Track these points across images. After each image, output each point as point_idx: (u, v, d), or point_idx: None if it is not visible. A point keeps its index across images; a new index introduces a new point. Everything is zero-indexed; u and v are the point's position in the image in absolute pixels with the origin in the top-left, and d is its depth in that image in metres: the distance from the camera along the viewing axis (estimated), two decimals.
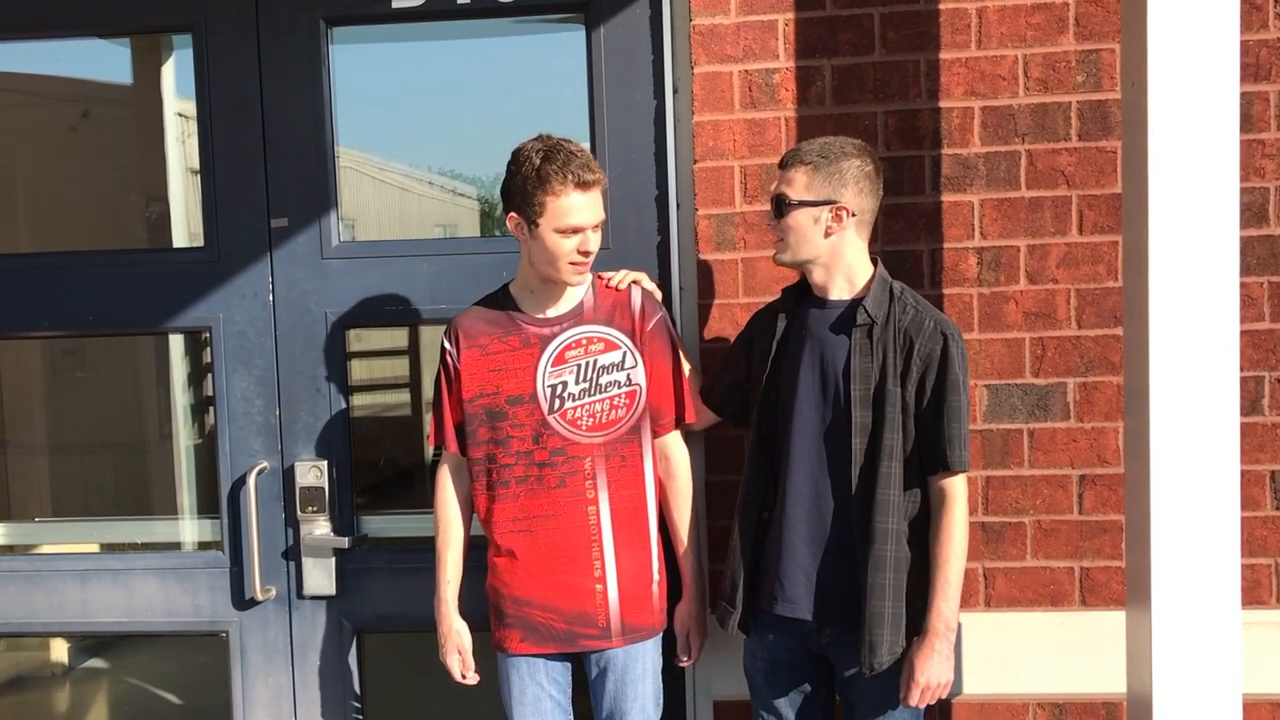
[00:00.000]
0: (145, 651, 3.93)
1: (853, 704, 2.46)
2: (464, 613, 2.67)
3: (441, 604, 2.65)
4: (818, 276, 2.46)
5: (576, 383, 2.54)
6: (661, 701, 2.65)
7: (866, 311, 2.38)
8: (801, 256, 2.43)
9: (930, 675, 2.33)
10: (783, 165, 2.46)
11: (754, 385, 2.54)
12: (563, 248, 2.45)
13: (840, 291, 2.45)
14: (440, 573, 2.66)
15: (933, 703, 2.37)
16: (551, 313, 2.57)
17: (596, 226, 2.48)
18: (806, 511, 2.42)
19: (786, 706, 2.51)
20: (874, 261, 2.47)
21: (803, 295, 2.52)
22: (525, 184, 2.43)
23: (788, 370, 2.47)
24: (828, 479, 2.40)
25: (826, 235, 2.40)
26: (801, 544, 2.42)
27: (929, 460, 2.37)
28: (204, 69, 3.03)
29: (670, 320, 2.67)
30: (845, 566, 2.38)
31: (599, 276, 2.62)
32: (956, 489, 2.36)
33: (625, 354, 2.57)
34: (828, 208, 2.38)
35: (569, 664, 2.64)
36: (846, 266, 2.43)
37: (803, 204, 2.39)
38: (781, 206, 2.42)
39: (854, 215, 2.39)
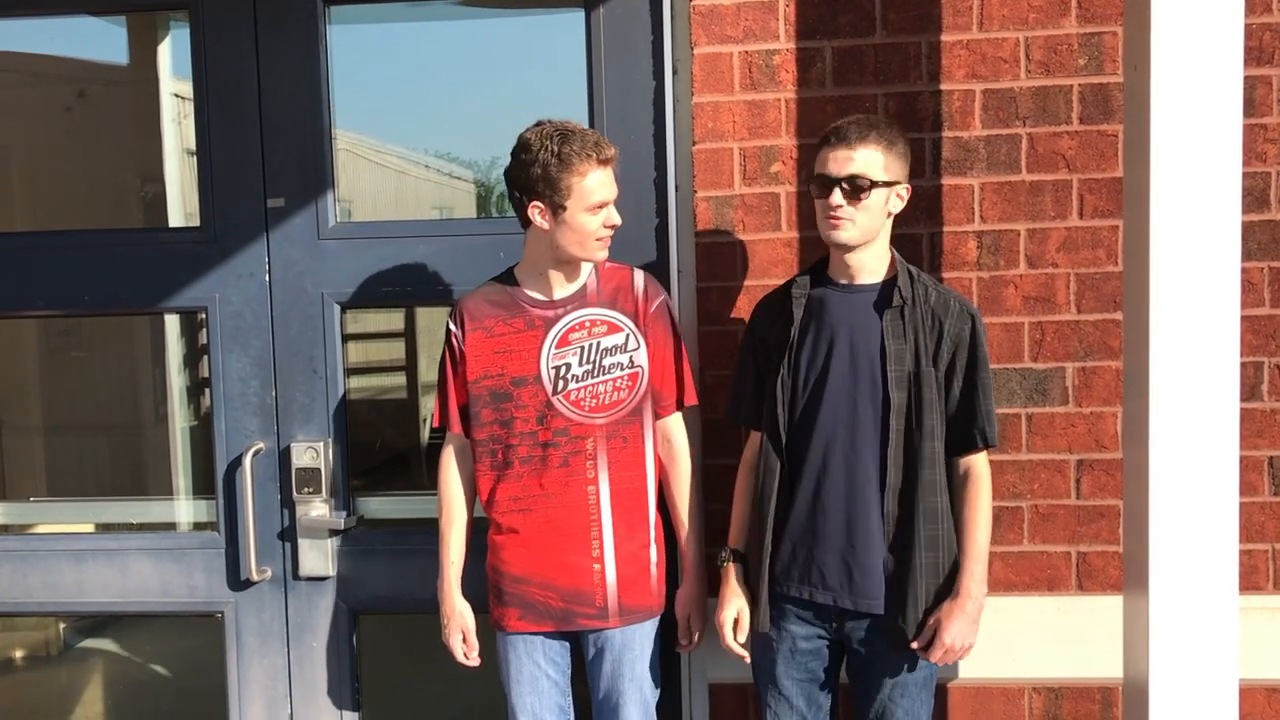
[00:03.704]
0: (141, 632, 3.94)
1: (866, 685, 2.46)
2: (465, 595, 2.66)
3: (445, 585, 2.65)
4: (857, 258, 2.44)
5: (580, 364, 2.54)
6: (659, 684, 2.65)
7: (900, 294, 2.39)
8: (870, 237, 2.42)
9: (957, 637, 2.35)
10: (845, 142, 2.38)
11: (770, 374, 2.50)
12: (591, 225, 2.46)
13: (867, 275, 2.44)
14: (443, 554, 2.65)
15: (950, 663, 2.41)
16: (556, 295, 2.57)
17: (615, 200, 2.50)
18: (841, 498, 2.40)
19: (796, 690, 2.50)
20: (889, 248, 2.48)
21: (816, 279, 2.50)
22: (547, 170, 2.42)
23: (812, 357, 2.44)
24: (864, 464, 2.39)
25: (889, 216, 2.43)
26: (836, 531, 2.41)
27: (961, 438, 2.42)
28: (200, 49, 3.01)
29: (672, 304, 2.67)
30: (878, 549, 2.39)
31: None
32: (984, 464, 2.45)
33: (628, 336, 2.57)
34: (899, 188, 2.41)
35: (567, 644, 2.64)
36: (881, 248, 2.45)
37: (884, 184, 2.38)
38: (859, 187, 2.36)
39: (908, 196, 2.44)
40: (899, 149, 2.40)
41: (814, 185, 2.42)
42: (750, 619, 2.51)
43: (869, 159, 2.37)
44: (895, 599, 2.38)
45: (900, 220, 2.73)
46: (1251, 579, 2.74)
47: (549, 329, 2.55)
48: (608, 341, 2.56)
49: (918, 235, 2.77)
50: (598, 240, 2.49)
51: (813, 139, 2.60)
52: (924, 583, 2.38)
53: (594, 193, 2.44)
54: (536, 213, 2.47)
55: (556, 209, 2.45)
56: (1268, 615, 2.74)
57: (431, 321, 4.63)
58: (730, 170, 2.81)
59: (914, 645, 2.38)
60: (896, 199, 2.41)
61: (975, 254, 2.77)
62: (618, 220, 2.50)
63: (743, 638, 2.54)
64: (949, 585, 2.40)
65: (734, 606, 2.53)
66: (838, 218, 2.38)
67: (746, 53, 2.79)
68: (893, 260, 2.45)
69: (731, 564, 2.56)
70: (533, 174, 2.43)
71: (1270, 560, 2.76)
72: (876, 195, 2.38)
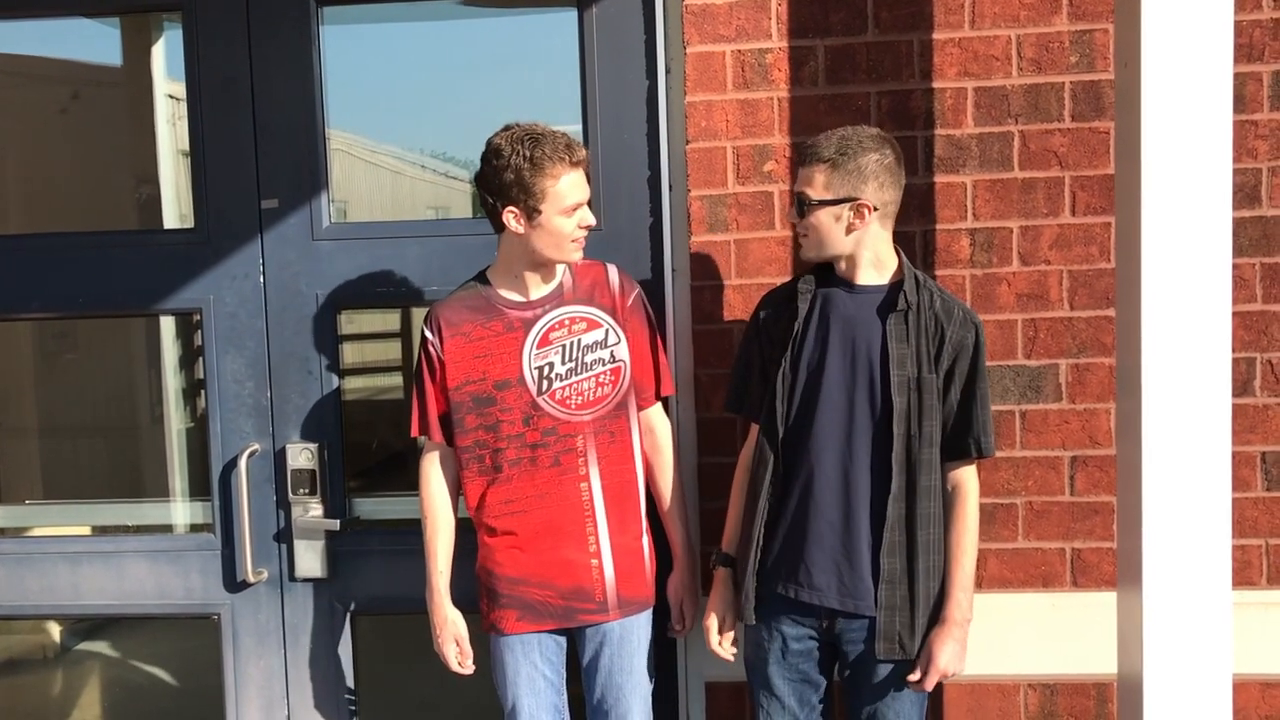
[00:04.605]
0: (138, 634, 3.93)
1: (859, 686, 2.46)
2: (454, 595, 2.66)
3: (434, 594, 2.64)
4: (843, 267, 2.45)
5: (563, 363, 2.54)
6: (653, 678, 2.66)
7: (906, 298, 2.37)
8: (826, 253, 2.42)
9: (949, 663, 2.37)
10: (802, 162, 2.43)
11: (770, 368, 2.50)
12: (566, 228, 2.47)
13: (869, 278, 2.43)
14: (431, 563, 2.65)
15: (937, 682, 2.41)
16: (533, 296, 2.57)
17: (589, 201, 2.51)
18: (834, 497, 2.40)
19: (788, 690, 2.50)
20: (896, 252, 2.46)
21: (824, 278, 2.49)
22: (520, 175, 2.42)
23: (812, 353, 2.44)
24: (858, 465, 2.39)
25: (849, 232, 2.38)
26: (828, 530, 2.41)
27: (955, 445, 2.41)
28: (194, 50, 3.01)
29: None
30: (871, 552, 2.38)
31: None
32: (973, 477, 2.44)
33: (608, 331, 2.58)
34: (848, 205, 2.36)
35: (563, 641, 2.65)
36: (873, 256, 2.42)
37: (823, 203, 2.37)
38: (803, 206, 2.40)
39: (876, 210, 2.37)
40: (849, 166, 2.34)
41: None
42: (740, 616, 2.52)
43: (809, 177, 2.39)
44: (892, 604, 2.38)
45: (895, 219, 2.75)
46: (1244, 574, 2.75)
47: (529, 330, 2.55)
48: (588, 338, 2.56)
49: (910, 233, 2.77)
50: (573, 242, 2.49)
51: (805, 138, 2.60)
52: (921, 587, 2.38)
53: (568, 195, 2.44)
54: (511, 217, 2.47)
55: (531, 213, 2.45)
56: (1261, 610, 2.75)
57: None
58: (723, 169, 2.81)
59: (911, 678, 2.39)
60: (854, 215, 2.36)
61: (968, 251, 2.78)
62: (592, 221, 2.51)
63: (729, 643, 2.57)
64: (944, 593, 2.41)
65: (717, 613, 2.56)
66: (798, 232, 2.46)
67: (739, 51, 2.79)
68: (900, 265, 2.44)
69: (721, 569, 2.57)
70: (505, 179, 2.43)
71: (1263, 555, 2.77)
72: (822, 214, 2.38)
